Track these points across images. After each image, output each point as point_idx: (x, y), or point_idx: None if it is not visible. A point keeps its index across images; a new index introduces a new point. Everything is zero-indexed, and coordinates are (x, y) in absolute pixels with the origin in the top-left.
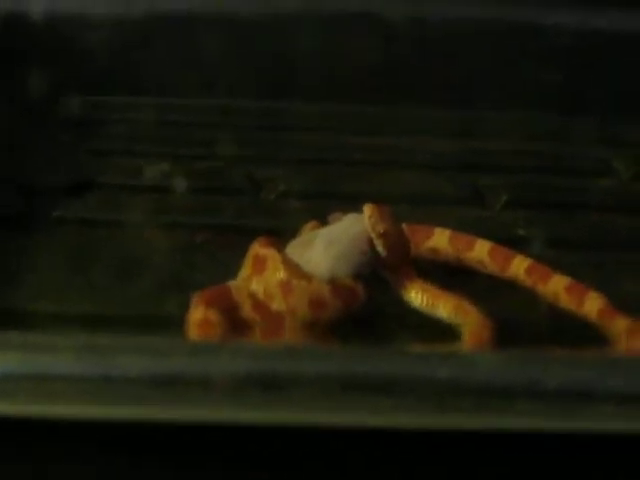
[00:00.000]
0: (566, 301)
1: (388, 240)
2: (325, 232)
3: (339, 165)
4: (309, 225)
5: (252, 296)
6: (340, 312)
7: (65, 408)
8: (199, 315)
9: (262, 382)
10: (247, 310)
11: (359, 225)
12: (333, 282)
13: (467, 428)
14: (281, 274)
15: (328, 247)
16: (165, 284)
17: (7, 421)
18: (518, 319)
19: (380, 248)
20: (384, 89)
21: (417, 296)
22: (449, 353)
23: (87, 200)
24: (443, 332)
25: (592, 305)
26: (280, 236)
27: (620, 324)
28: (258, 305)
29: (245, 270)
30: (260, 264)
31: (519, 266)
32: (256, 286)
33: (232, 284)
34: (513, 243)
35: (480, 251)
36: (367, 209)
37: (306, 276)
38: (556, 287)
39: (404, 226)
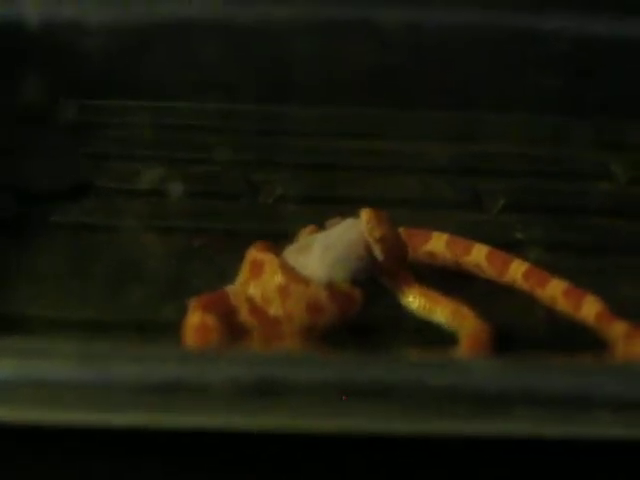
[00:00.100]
0: (564, 305)
1: (385, 245)
2: (322, 237)
3: (337, 169)
4: (307, 230)
5: (249, 301)
6: (337, 317)
7: (62, 414)
8: (196, 320)
9: (259, 389)
10: (244, 315)
11: (356, 230)
12: (330, 287)
13: (464, 434)
14: (278, 279)
15: (325, 252)
16: (162, 289)
17: (4, 427)
18: (516, 323)
19: (377, 253)
20: (382, 93)
21: (415, 300)
22: (446, 360)
23: (84, 204)
24: (441, 337)
25: (590, 309)
26: (278, 240)
27: (618, 329)
28: (255, 310)
29: (242, 275)
30: (257, 269)
31: (517, 270)
32: (253, 291)
33: (229, 289)
34: (511, 247)
35: (478, 255)
36: (364, 214)
37: (304, 281)
38: (554, 291)
39: (402, 230)
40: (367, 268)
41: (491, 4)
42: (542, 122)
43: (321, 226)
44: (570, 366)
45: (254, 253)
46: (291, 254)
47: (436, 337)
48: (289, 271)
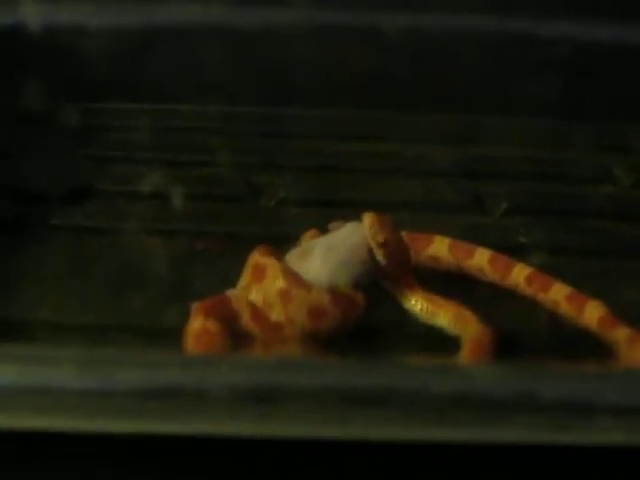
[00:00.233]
0: (566, 310)
1: (388, 249)
2: (324, 241)
3: (339, 172)
4: (309, 234)
5: (251, 305)
6: (339, 321)
7: (63, 421)
8: (198, 325)
9: (259, 395)
10: (246, 320)
11: (359, 234)
12: (333, 291)
13: (465, 441)
14: (280, 283)
15: (327, 256)
16: (164, 292)
17: (5, 434)
18: (518, 327)
19: (380, 257)
20: (384, 96)
21: (417, 304)
22: (447, 366)
23: (86, 207)
24: (443, 341)
25: (592, 314)
26: (280, 243)
27: (621, 334)
28: (257, 315)
29: (244, 279)
30: (260, 273)
31: (519, 274)
32: (255, 295)
33: (231, 293)
34: (513, 250)
35: (480, 259)
36: (367, 218)
37: (306, 285)
38: (556, 296)
39: (404, 234)
40: (370, 272)
41: (492, 9)
42: (545, 125)
43: (323, 229)
44: (572, 373)
45: (256, 257)
46: (293, 258)
47: (439, 341)
48: (291, 276)
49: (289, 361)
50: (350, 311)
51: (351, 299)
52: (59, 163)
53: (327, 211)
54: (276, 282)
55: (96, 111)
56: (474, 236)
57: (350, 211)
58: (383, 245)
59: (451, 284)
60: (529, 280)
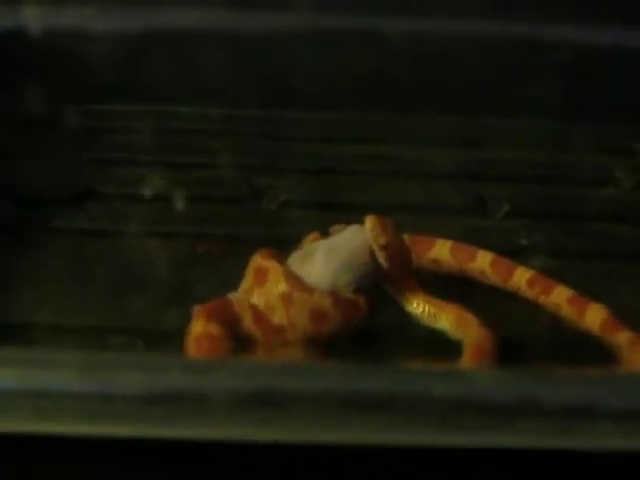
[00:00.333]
0: (568, 313)
1: (390, 252)
2: (326, 244)
3: (340, 175)
4: (310, 236)
5: (253, 309)
6: (341, 325)
7: (64, 425)
8: (200, 329)
9: (261, 399)
10: (248, 323)
11: (360, 237)
12: (334, 295)
13: (467, 446)
14: (282, 286)
15: (329, 259)
16: (165, 295)
17: (5, 438)
18: (520, 331)
19: (382, 260)
20: (385, 99)
21: (418, 307)
22: (449, 370)
23: (87, 210)
24: (444, 345)
25: (594, 317)
26: (281, 246)
27: (622, 337)
28: (259, 318)
29: (246, 282)
30: (261, 276)
31: (521, 277)
32: (257, 299)
33: (233, 296)
34: (515, 253)
35: (482, 262)
36: (369, 221)
37: (307, 288)
38: (558, 299)
39: (406, 237)
40: (371, 275)
41: (493, 13)
42: (546, 127)
43: (325, 232)
44: (574, 377)
45: (258, 260)
46: (295, 261)
47: (440, 345)
48: (293, 279)
49: (291, 365)
50: (352, 315)
51: (353, 303)
52: (60, 166)
53: (328, 214)
54: (278, 285)
55: (97, 114)
56: (475, 239)
57: (351, 214)
58: (385, 248)
59: (452, 287)
60: (531, 283)
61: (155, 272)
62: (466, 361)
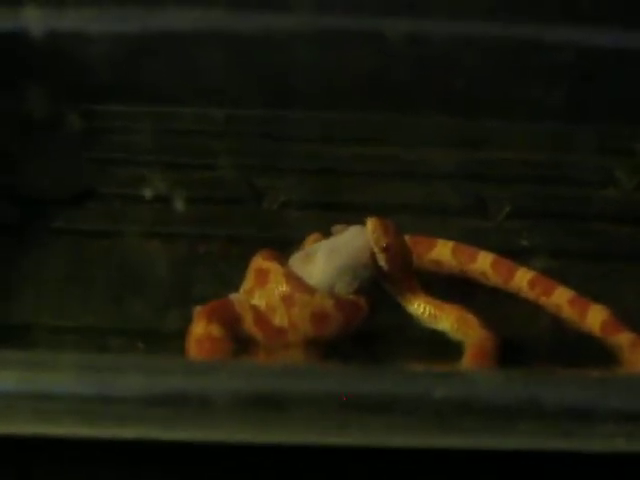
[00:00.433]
0: (569, 314)
1: (390, 254)
2: (327, 244)
3: (341, 175)
4: (311, 237)
5: (254, 309)
6: (342, 326)
7: (64, 427)
8: (201, 330)
9: (262, 401)
10: (249, 324)
11: (361, 238)
12: (336, 296)
13: (468, 447)
14: (283, 287)
15: (330, 259)
16: (166, 296)
17: (5, 440)
18: (521, 331)
19: (382, 262)
20: (385, 99)
21: (419, 308)
22: (450, 372)
23: (88, 211)
24: (445, 347)
25: (595, 318)
26: (282, 247)
27: (623, 338)
28: (260, 319)
29: (247, 283)
30: (263, 277)
31: (522, 278)
32: (258, 300)
33: (234, 297)
34: (516, 254)
35: (483, 263)
36: (370, 223)
37: (309, 290)
38: (559, 300)
39: (407, 238)
40: (372, 276)
41: (494, 15)
42: (547, 128)
43: (326, 233)
44: (575, 379)
45: (259, 261)
46: (296, 262)
47: (441, 346)
48: (294, 280)
49: (292, 367)
50: (353, 316)
51: (354, 304)
52: (61, 166)
53: (329, 214)
54: (279, 286)
55: (98, 114)
56: (476, 239)
57: (352, 214)
58: (385, 250)
59: (453, 288)
60: (532, 284)
61: (155, 273)
62: (467, 362)
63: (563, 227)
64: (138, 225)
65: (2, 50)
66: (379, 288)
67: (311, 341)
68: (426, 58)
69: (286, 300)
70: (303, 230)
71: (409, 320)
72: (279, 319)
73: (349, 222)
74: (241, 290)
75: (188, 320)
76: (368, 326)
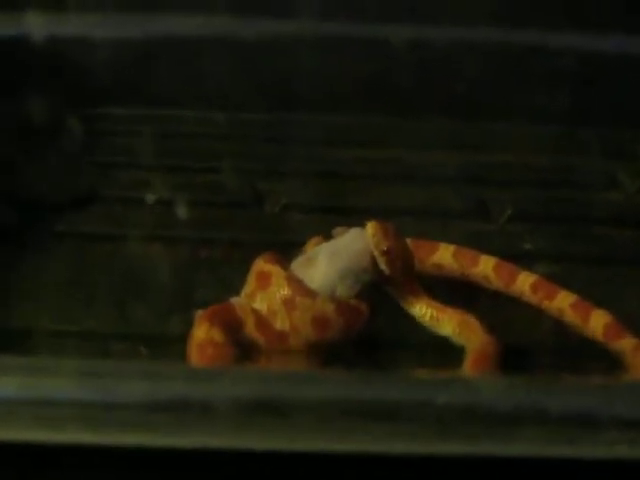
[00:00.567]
0: (571, 318)
1: (391, 257)
2: (329, 247)
3: (343, 178)
4: (313, 241)
5: (255, 313)
6: (343, 331)
7: (65, 434)
8: (202, 334)
9: (264, 408)
10: (250, 328)
11: (362, 242)
12: (337, 300)
13: (471, 454)
14: (285, 291)
15: (331, 262)
16: (168, 299)
17: (6, 447)
18: (523, 336)
19: (383, 266)
20: (388, 102)
21: (421, 311)
22: (453, 379)
23: (89, 214)
24: (447, 351)
25: (597, 323)
26: (284, 250)
27: (626, 343)
28: (261, 323)
29: (249, 286)
30: (264, 280)
31: (524, 282)
32: (259, 303)
33: (235, 301)
34: (518, 258)
35: (485, 267)
36: (370, 227)
37: (310, 294)
38: (562, 304)
39: (408, 241)
40: (373, 280)
41: (497, 21)
42: (549, 131)
43: (328, 236)
44: (577, 386)
45: (261, 264)
46: (298, 266)
47: (443, 351)
48: (295, 284)
49: (294, 374)
50: (354, 320)
51: (355, 308)
52: (62, 170)
53: (331, 218)
54: (281, 290)
55: (100, 118)
56: (478, 243)
57: (354, 217)
58: (386, 253)
59: (455, 292)
60: (534, 288)
61: (157, 277)
62: (468, 367)
63: (565, 231)
64: (140, 229)
65: (4, 55)
66: (380, 292)
67: (312, 345)
68: (428, 63)
69: (287, 304)
70: (305, 233)
71: (411, 325)
72: (280, 323)
73: (351, 225)
74: (242, 293)
75: (190, 324)
76: (369, 331)
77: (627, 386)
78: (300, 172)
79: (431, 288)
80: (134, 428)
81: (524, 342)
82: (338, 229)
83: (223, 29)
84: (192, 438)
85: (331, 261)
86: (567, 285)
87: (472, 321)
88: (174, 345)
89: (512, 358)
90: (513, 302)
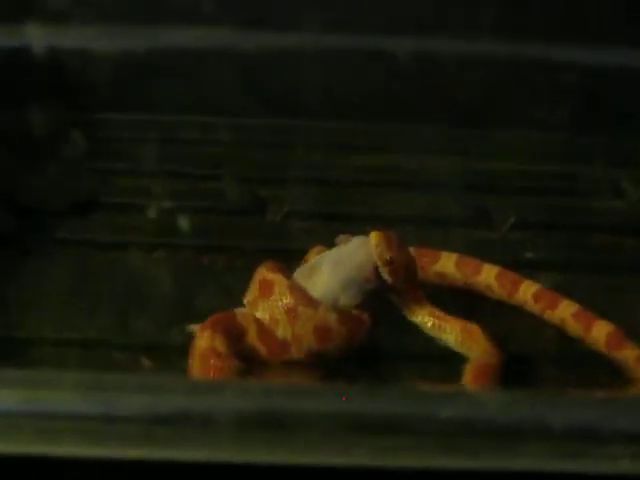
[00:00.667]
0: (574, 328)
1: (394, 267)
2: (332, 255)
3: (345, 186)
4: (315, 250)
5: (257, 322)
6: (345, 341)
7: (66, 447)
8: (205, 344)
9: (265, 421)
10: (252, 337)
11: (365, 251)
12: (339, 310)
13: (473, 469)
14: (287, 300)
15: (335, 271)
16: (169, 309)
17: (8, 460)
18: (526, 345)
19: (387, 275)
20: (389, 109)
21: (424, 319)
22: (455, 392)
23: (90, 221)
24: (450, 362)
25: (600, 333)
26: (286, 258)
27: (629, 354)
28: (263, 332)
29: (251, 293)
30: (267, 289)
31: (527, 292)
32: (261, 312)
33: (238, 310)
34: (520, 266)
35: (487, 276)
36: (373, 237)
37: (313, 303)
38: (564, 314)
39: (410, 250)
40: (376, 289)
41: (500, 34)
42: (552, 139)
43: (329, 244)
44: (581, 400)
45: (264, 272)
46: (301, 275)
47: (445, 362)
48: (298, 293)
49: (296, 387)
50: (356, 330)
51: (357, 318)
52: (63, 177)
53: (333, 225)
54: (283, 299)
55: (101, 123)
56: (480, 251)
57: (356, 225)
58: (389, 263)
59: (458, 301)
60: (536, 297)
61: (159, 285)
62: (470, 379)
63: (568, 239)
64: (141, 236)
65: (5, 66)
66: (383, 300)
67: (314, 355)
68: (429, 73)
69: (290, 313)
70: (307, 241)
71: (413, 335)
72: (282, 332)
73: (354, 233)
74: (244, 301)
75: (191, 334)
76: (372, 341)
77: (630, 400)
78: (302, 180)
79: (433, 297)
80: (135, 441)
81: (526, 351)
82: (341, 237)
83: (224, 41)
84: (193, 451)
85: (334, 270)
86: (570, 293)
87: (475, 330)
88: (176, 355)
89: (514, 368)
90: (516, 311)
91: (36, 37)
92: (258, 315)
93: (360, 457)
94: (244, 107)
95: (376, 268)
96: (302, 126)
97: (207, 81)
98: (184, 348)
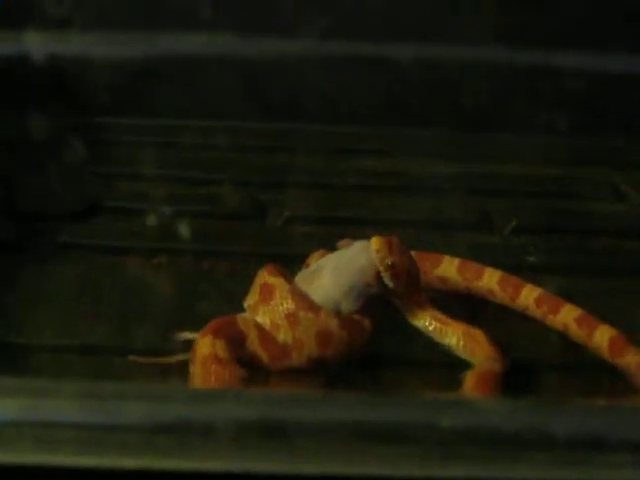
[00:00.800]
0: (576, 333)
1: (396, 271)
2: (333, 260)
3: (346, 190)
4: (315, 255)
5: (258, 327)
6: (346, 346)
7: (66, 456)
8: (206, 350)
9: (266, 430)
10: (253, 342)
11: (366, 255)
12: (340, 316)
13: (475, 477)
14: (288, 305)
15: (335, 278)
16: (170, 314)
17: (7, 469)
18: (529, 350)
19: (388, 280)
20: (391, 113)
21: (427, 323)
22: (457, 401)
23: (91, 226)
24: (452, 368)
25: (602, 338)
26: (287, 263)
27: (631, 359)
28: (264, 337)
29: (252, 297)
30: (268, 293)
31: (529, 296)
32: (262, 316)
33: (238, 316)
34: (522, 270)
35: (489, 280)
36: (374, 242)
37: (314, 308)
38: (566, 318)
39: (412, 254)
40: (377, 294)
41: (502, 40)
42: (553, 143)
43: (330, 248)
44: (586, 408)
45: (265, 276)
46: (302, 279)
47: (447, 368)
48: (299, 297)
49: (297, 396)
50: (357, 335)
51: (358, 324)
52: (66, 180)
53: (334, 229)
54: (284, 304)
55: (103, 128)
56: (482, 255)
57: (357, 229)
58: (390, 268)
59: (459, 305)
60: (538, 302)
61: (160, 290)
62: (471, 388)
63: (570, 242)
64: (142, 241)
65: (5, 72)
66: (385, 305)
67: (315, 361)
68: (431, 80)
69: (290, 318)
70: (308, 246)
71: (415, 341)
72: (283, 336)
73: (354, 237)
74: (245, 305)
75: (188, 341)
76: (373, 346)
77: (634, 408)
78: (303, 184)
79: (435, 301)
80: (135, 450)
81: (529, 356)
82: (342, 241)
83: (225, 47)
84: (194, 460)
85: (335, 275)
86: (571, 297)
87: (478, 334)
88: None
89: (517, 373)
90: (518, 316)
91: (36, 43)
92: (259, 319)
93: (362, 466)
94: (244, 112)
95: (377, 273)
96: (302, 131)
97: (207, 86)
98: (184, 353)
